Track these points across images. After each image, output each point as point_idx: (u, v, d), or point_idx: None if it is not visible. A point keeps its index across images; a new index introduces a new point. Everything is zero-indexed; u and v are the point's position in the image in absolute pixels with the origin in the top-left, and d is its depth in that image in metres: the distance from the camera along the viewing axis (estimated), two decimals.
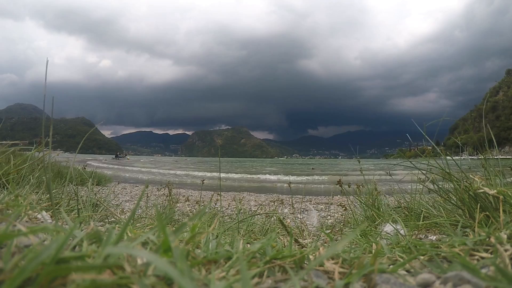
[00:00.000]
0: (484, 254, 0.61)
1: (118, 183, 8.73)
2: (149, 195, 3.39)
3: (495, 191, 0.95)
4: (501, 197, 0.92)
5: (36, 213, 0.86)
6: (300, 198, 6.15)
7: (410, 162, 1.52)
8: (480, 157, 1.34)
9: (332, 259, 0.60)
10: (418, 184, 1.67)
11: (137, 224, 1.34)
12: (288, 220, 2.80)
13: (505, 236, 0.65)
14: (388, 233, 1.16)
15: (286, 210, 4.53)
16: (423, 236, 1.17)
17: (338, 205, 2.90)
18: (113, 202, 2.87)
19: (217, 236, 0.87)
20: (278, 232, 1.54)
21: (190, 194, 6.85)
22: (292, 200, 4.65)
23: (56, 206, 0.81)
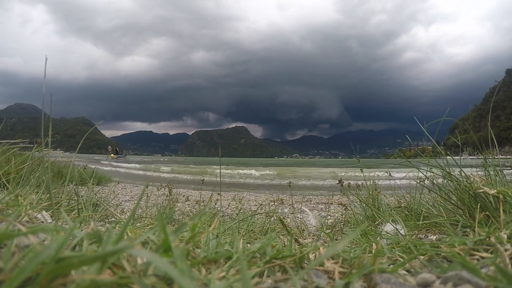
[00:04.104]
0: (484, 254, 0.61)
1: (118, 183, 8.72)
2: (149, 194, 3.39)
3: (495, 191, 0.95)
4: (501, 196, 0.92)
5: (36, 213, 0.86)
6: (300, 197, 6.15)
7: (409, 162, 1.52)
8: (480, 157, 1.34)
9: (332, 258, 0.60)
10: (417, 183, 1.67)
11: (137, 224, 1.34)
12: (288, 220, 2.80)
13: (505, 236, 0.65)
14: (388, 233, 1.16)
15: (286, 210, 4.53)
16: (423, 236, 1.17)
17: (338, 204, 2.90)
18: (113, 202, 2.87)
19: (217, 235, 0.87)
20: (278, 231, 1.54)
21: (190, 193, 6.85)
22: (292, 200, 4.64)
23: (56, 206, 0.81)
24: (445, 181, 1.33)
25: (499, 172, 1.22)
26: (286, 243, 0.86)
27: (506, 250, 0.58)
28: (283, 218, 2.22)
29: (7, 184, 1.31)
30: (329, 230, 1.98)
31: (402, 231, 1.15)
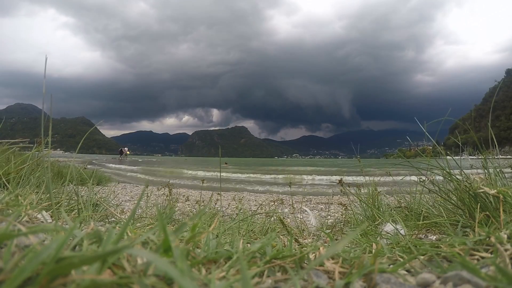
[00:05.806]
0: (484, 254, 0.61)
1: (118, 183, 8.72)
2: (149, 195, 3.39)
3: (495, 191, 0.95)
4: (501, 196, 0.92)
5: (36, 213, 0.85)
6: (300, 197, 6.16)
7: (409, 162, 1.52)
8: (480, 157, 1.34)
9: (332, 258, 0.60)
10: (418, 183, 1.67)
11: (137, 224, 1.34)
12: (288, 220, 2.80)
13: (505, 236, 0.65)
14: (388, 233, 1.16)
15: (286, 210, 4.53)
16: (423, 236, 1.17)
17: (338, 204, 2.90)
18: (113, 202, 2.87)
19: (217, 235, 0.87)
20: (278, 231, 1.54)
21: (190, 194, 6.85)
22: (292, 200, 4.65)
23: (56, 206, 0.81)
24: (445, 181, 1.33)
25: (499, 172, 1.22)
26: (286, 243, 0.86)
27: (506, 250, 0.58)
28: (283, 218, 2.22)
29: (7, 184, 1.31)
30: (329, 230, 1.98)
31: (402, 231, 1.15)
